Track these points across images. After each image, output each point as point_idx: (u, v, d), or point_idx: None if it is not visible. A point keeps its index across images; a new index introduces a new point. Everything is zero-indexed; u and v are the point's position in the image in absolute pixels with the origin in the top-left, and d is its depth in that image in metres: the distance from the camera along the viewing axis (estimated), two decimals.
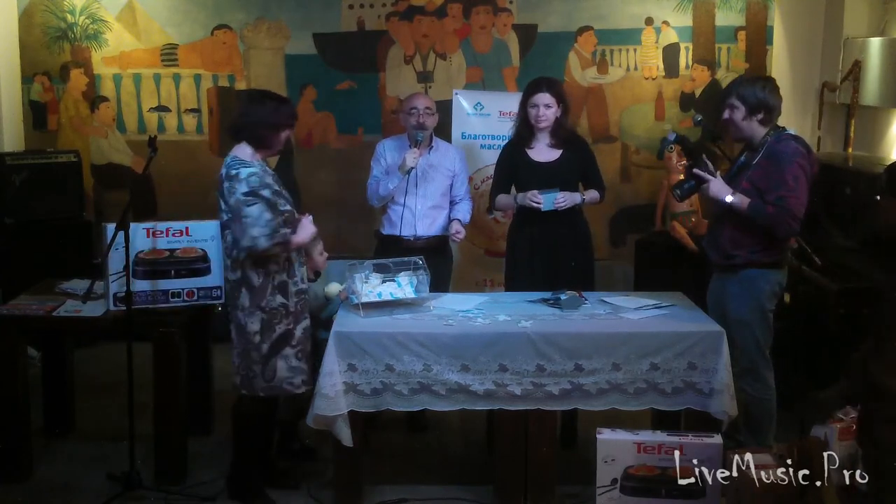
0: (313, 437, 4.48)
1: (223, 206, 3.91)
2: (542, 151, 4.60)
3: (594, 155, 4.78)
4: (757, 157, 4.09)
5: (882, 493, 3.02)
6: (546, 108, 4.53)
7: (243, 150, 3.95)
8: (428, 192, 4.82)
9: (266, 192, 3.85)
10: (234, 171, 3.87)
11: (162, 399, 4.24)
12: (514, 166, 4.64)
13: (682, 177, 5.88)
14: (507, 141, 4.79)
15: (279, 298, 3.93)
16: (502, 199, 4.71)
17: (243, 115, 4.02)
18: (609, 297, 4.40)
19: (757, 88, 4.11)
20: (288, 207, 3.95)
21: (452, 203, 4.92)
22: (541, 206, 4.43)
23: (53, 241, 5.89)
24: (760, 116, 4.09)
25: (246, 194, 3.82)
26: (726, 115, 4.13)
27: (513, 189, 4.69)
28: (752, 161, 4.10)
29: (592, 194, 4.63)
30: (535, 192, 4.44)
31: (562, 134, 4.61)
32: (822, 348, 4.72)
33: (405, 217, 4.79)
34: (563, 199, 4.46)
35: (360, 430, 3.98)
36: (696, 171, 4.13)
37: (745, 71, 6.28)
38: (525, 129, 4.62)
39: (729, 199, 4.05)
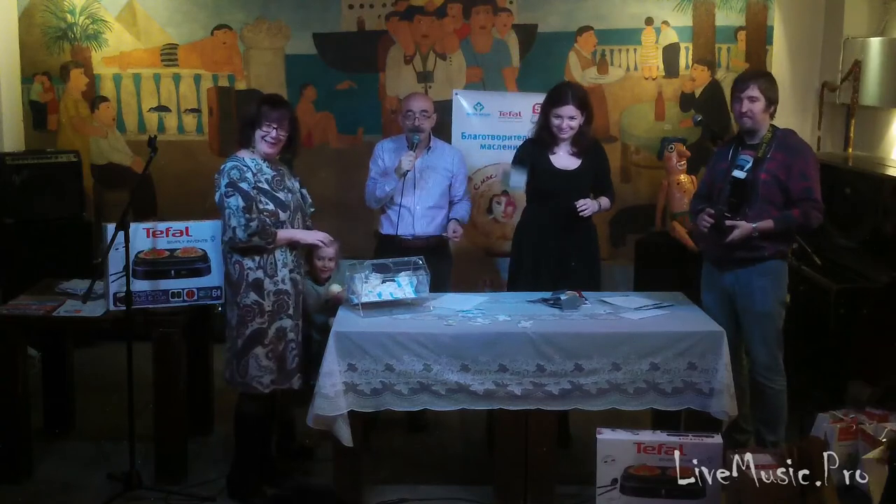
0: (313, 438, 4.48)
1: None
2: (563, 158, 4.55)
3: (608, 161, 4.74)
4: (770, 151, 4.15)
5: None
6: (570, 120, 4.46)
7: (243, 150, 4.05)
8: (426, 193, 4.81)
9: (244, 185, 3.91)
10: (222, 166, 3.98)
11: (162, 399, 4.25)
12: (533, 166, 4.55)
13: (682, 177, 5.88)
14: (528, 137, 4.71)
15: (252, 296, 3.96)
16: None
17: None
18: (609, 297, 4.40)
19: (773, 83, 4.24)
20: (271, 207, 3.97)
21: (451, 203, 4.91)
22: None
23: (53, 241, 5.88)
24: (772, 110, 4.21)
25: (227, 186, 3.92)
26: (745, 106, 4.16)
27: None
28: (766, 154, 4.15)
29: (605, 202, 4.61)
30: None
31: (583, 144, 4.54)
32: (822, 348, 4.72)
33: (404, 217, 4.78)
34: (584, 206, 4.42)
35: (360, 430, 3.98)
36: (728, 222, 4.14)
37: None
38: (547, 135, 4.54)
39: (755, 225, 4.10)
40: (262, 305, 3.97)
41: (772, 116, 4.22)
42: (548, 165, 4.53)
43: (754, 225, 4.10)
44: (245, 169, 3.94)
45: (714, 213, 4.18)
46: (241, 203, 3.88)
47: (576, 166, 4.54)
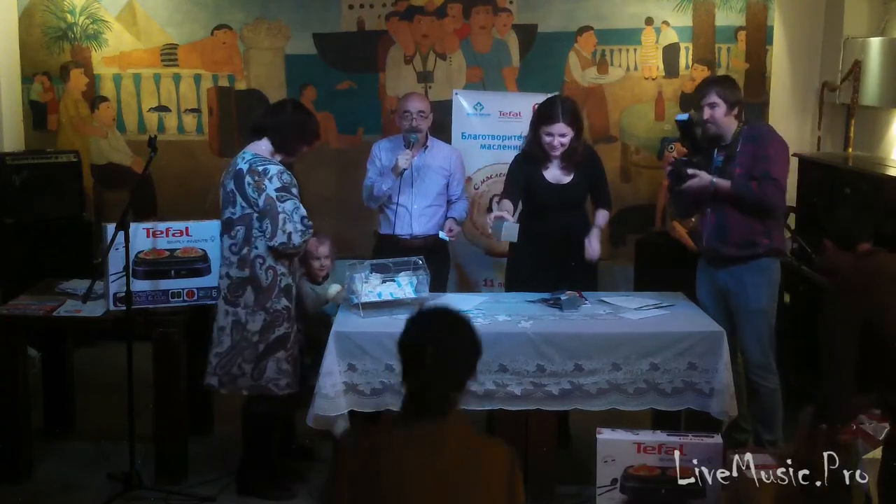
0: (313, 438, 4.48)
1: (240, 200, 3.94)
2: (555, 172, 4.49)
3: (604, 169, 4.68)
4: (738, 146, 4.20)
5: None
6: (561, 138, 4.38)
7: (262, 147, 4.01)
8: (424, 192, 4.81)
9: (295, 190, 3.93)
10: (260, 167, 3.91)
11: (162, 399, 4.25)
12: (527, 181, 4.48)
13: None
14: (519, 152, 4.64)
15: (283, 301, 3.97)
16: (504, 205, 4.45)
17: (273, 116, 4.10)
18: (609, 297, 4.40)
19: (733, 87, 4.28)
20: (305, 211, 3.99)
21: (449, 202, 4.92)
22: (494, 231, 4.19)
23: (53, 241, 5.88)
24: (736, 112, 4.23)
25: (278, 190, 3.88)
26: (706, 113, 4.23)
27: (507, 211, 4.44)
28: (735, 150, 4.20)
29: (603, 218, 4.55)
30: (504, 217, 4.16)
31: (574, 158, 4.46)
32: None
33: (402, 216, 4.78)
34: (592, 253, 4.41)
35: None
36: (690, 170, 4.16)
37: (744, 71, 6.29)
38: (539, 151, 4.46)
39: (714, 178, 4.13)
40: (290, 310, 4.00)
41: (738, 118, 4.24)
42: (541, 180, 4.48)
43: (713, 178, 4.13)
44: (290, 173, 3.95)
45: (675, 162, 4.21)
46: (301, 209, 3.89)
47: (568, 180, 4.49)
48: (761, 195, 4.10)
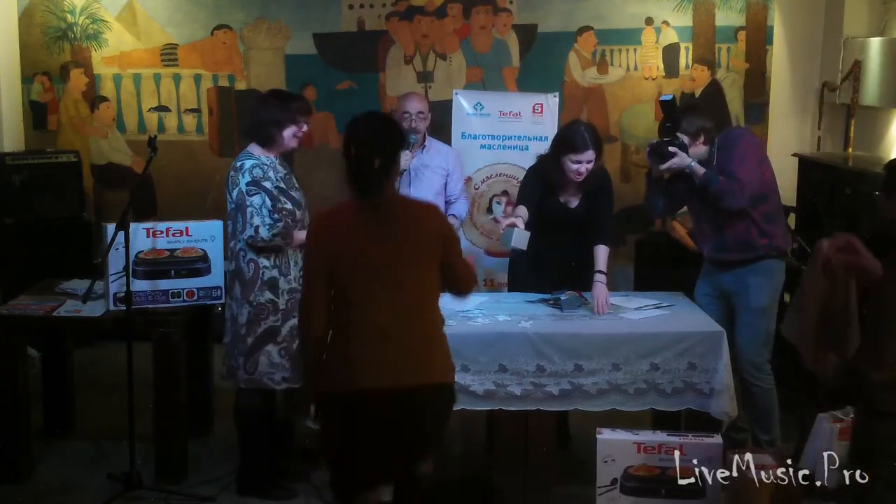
0: (313, 438, 4.47)
1: (228, 197, 4.01)
2: (568, 195, 4.45)
3: (612, 194, 4.53)
4: (714, 158, 4.22)
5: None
6: (588, 164, 4.30)
7: (253, 148, 4.05)
8: (422, 191, 4.80)
9: (267, 184, 3.92)
10: (238, 163, 3.98)
11: (162, 399, 4.25)
12: (541, 195, 4.42)
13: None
14: (532, 166, 4.55)
15: (267, 294, 3.97)
16: (520, 210, 4.37)
17: (251, 115, 4.13)
18: (609, 297, 4.39)
19: (692, 116, 4.25)
20: (289, 206, 3.99)
21: (448, 203, 4.92)
22: (503, 237, 4.16)
23: (53, 241, 5.88)
24: (702, 139, 4.22)
25: (248, 184, 3.91)
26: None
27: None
28: (712, 162, 4.21)
29: (603, 256, 4.32)
30: (515, 225, 4.10)
31: (591, 180, 4.37)
32: None
33: None
34: (604, 311, 4.21)
35: None
36: (671, 149, 4.13)
37: (744, 71, 6.29)
38: (559, 178, 4.36)
39: (693, 163, 4.13)
40: (276, 304, 3.99)
41: (707, 142, 4.21)
42: (553, 200, 4.43)
43: (691, 162, 4.12)
44: (266, 167, 3.96)
45: (657, 142, 4.19)
46: (267, 202, 3.90)
47: (577, 202, 4.44)
48: (722, 190, 4.09)
